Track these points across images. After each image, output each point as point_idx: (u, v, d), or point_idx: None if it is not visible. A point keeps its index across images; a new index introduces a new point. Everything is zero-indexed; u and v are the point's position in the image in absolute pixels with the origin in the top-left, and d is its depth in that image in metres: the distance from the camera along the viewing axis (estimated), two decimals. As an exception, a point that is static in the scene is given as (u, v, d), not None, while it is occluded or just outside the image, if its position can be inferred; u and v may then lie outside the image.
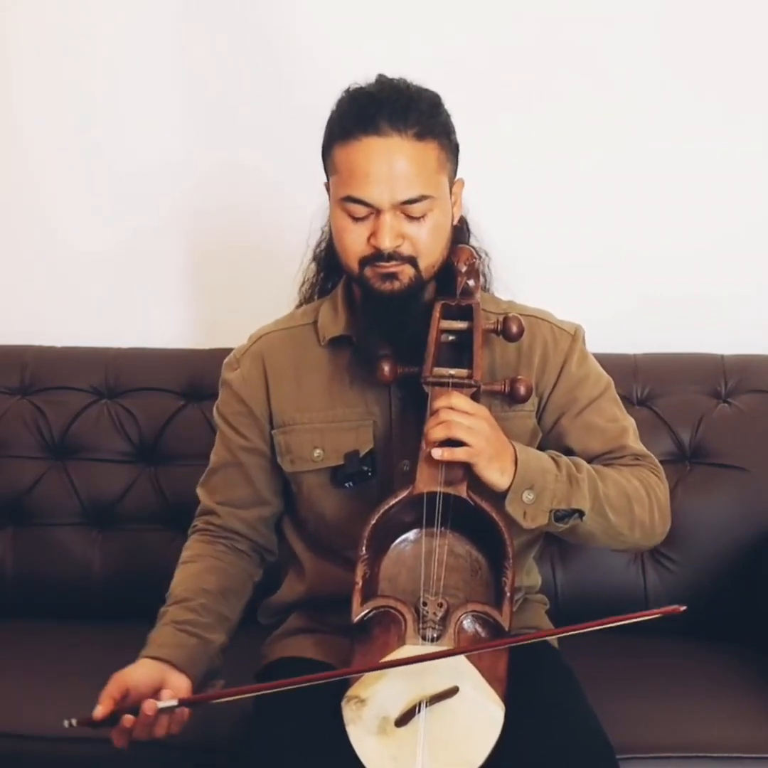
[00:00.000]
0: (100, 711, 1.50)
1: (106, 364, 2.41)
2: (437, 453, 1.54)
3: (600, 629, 1.50)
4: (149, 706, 1.49)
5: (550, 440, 1.74)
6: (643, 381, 2.31)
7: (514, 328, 1.67)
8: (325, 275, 1.86)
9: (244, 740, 1.62)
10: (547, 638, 1.80)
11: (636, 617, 1.50)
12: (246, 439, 1.79)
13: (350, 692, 1.51)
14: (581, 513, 1.61)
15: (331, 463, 1.74)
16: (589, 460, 1.70)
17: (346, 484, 1.72)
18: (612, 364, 2.06)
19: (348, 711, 1.50)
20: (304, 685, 1.52)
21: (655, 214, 2.48)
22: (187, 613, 1.66)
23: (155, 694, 1.52)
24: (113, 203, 2.55)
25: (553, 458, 1.63)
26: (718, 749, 1.74)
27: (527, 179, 2.47)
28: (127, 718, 1.49)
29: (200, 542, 1.78)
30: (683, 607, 1.45)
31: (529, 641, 1.57)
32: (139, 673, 1.56)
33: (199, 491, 1.83)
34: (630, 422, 1.78)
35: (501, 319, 1.68)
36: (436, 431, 1.55)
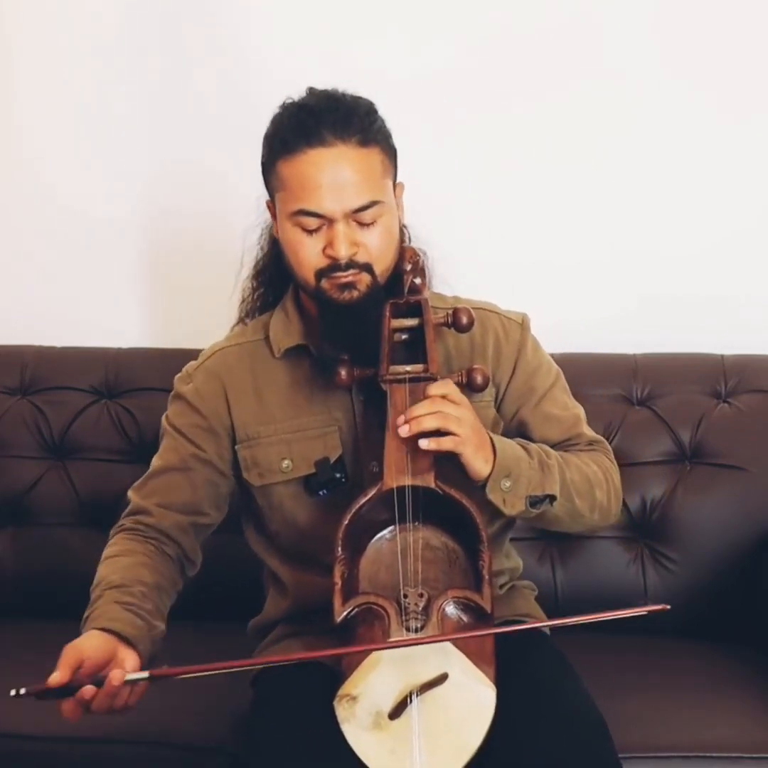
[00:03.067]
0: (57, 678, 1.42)
1: (106, 364, 2.42)
2: (424, 443, 1.55)
3: (586, 623, 1.49)
4: (117, 677, 1.43)
5: (511, 430, 1.77)
6: (643, 381, 2.31)
7: (465, 319, 1.69)
8: (264, 291, 1.86)
9: (243, 741, 1.62)
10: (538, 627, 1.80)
11: (622, 613, 1.50)
12: (201, 449, 1.76)
13: (341, 691, 1.51)
14: (552, 498, 1.64)
15: (302, 473, 1.74)
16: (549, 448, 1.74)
17: (320, 493, 1.72)
18: (612, 364, 2.07)
19: (340, 710, 1.50)
20: (286, 661, 1.57)
21: (655, 215, 2.48)
22: (129, 597, 1.59)
23: (108, 666, 1.46)
24: (113, 204, 2.55)
25: (522, 446, 1.66)
26: (718, 749, 1.74)
27: (528, 179, 2.46)
28: (89, 689, 1.42)
29: (129, 540, 1.71)
30: (668, 607, 1.46)
31: (521, 629, 1.59)
32: (93, 644, 1.49)
33: (132, 493, 1.79)
34: (580, 410, 1.82)
35: (450, 312, 1.70)
36: (427, 420, 1.55)
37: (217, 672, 1.48)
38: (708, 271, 2.47)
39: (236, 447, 1.76)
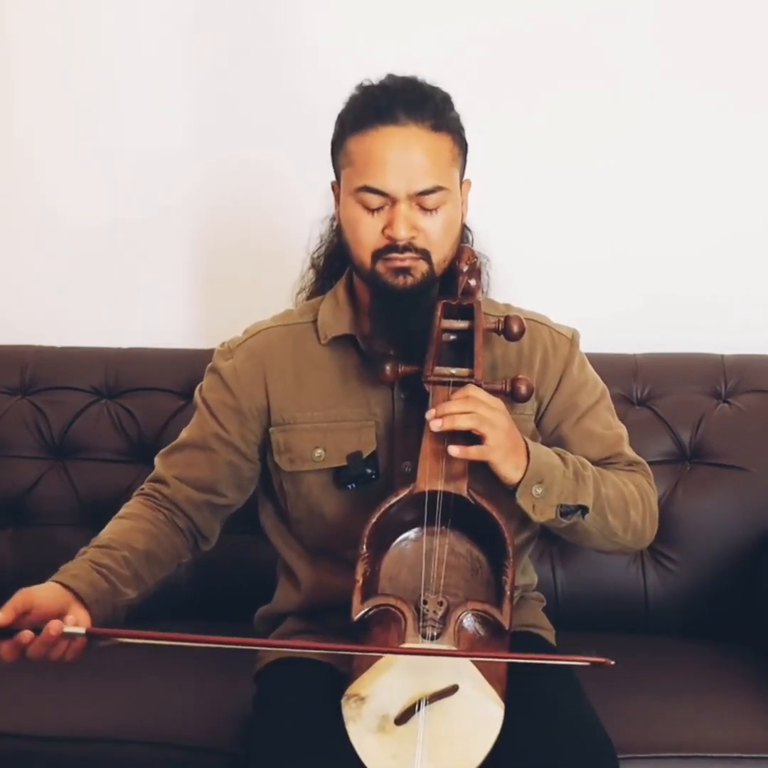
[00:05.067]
0: (0, 618, 1.47)
1: (106, 364, 2.41)
2: (454, 451, 1.54)
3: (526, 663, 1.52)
4: (54, 627, 1.46)
5: (550, 445, 1.74)
6: (643, 381, 2.31)
7: (516, 328, 1.67)
8: (322, 282, 1.85)
9: (245, 740, 1.62)
10: (546, 637, 1.81)
11: (565, 659, 1.52)
12: (224, 430, 1.76)
13: (350, 690, 1.51)
14: (585, 510, 1.62)
15: (333, 464, 1.73)
16: None
17: (349, 486, 1.71)
18: (612, 364, 2.07)
19: (347, 709, 1.50)
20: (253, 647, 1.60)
21: (655, 215, 2.48)
22: (107, 559, 1.62)
23: (55, 617, 1.49)
24: (114, 203, 2.55)
25: (559, 455, 1.65)
26: (718, 749, 1.74)
27: (528, 179, 2.46)
28: (26, 633, 1.46)
29: (142, 504, 1.75)
30: (613, 662, 1.44)
31: (532, 660, 1.56)
32: (46, 594, 1.52)
33: (158, 460, 1.80)
34: (623, 429, 1.80)
35: (502, 318, 1.68)
36: (461, 420, 1.54)
37: (159, 643, 1.52)
38: (708, 272, 2.47)
39: (270, 430, 1.75)
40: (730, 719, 1.84)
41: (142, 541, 1.68)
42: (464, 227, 1.78)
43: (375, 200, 1.63)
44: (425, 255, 1.64)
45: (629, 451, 1.78)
